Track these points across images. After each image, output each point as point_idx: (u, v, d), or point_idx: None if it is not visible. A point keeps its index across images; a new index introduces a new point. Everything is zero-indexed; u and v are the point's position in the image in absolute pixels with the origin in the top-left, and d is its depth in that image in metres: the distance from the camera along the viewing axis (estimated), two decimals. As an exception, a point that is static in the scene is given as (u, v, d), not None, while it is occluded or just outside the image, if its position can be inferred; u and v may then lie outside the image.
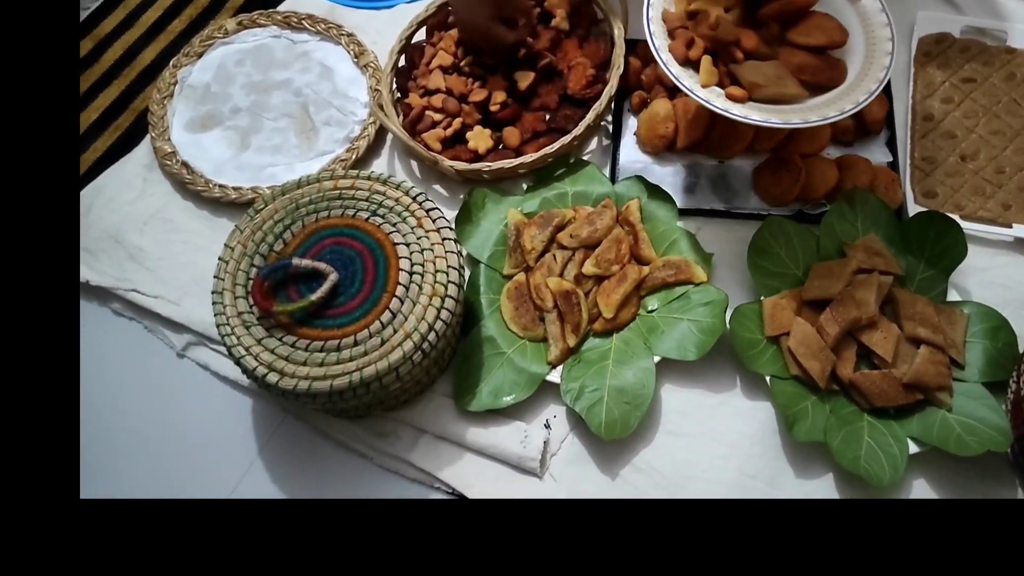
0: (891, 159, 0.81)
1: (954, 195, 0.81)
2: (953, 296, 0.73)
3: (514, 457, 0.68)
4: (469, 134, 0.82)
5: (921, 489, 0.66)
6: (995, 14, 0.91)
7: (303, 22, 0.94)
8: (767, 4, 0.72)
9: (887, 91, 0.85)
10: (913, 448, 0.65)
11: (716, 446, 0.69)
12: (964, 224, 0.76)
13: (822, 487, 0.67)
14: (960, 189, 0.81)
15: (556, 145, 0.79)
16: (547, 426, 0.70)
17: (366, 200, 0.68)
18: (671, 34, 0.72)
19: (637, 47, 0.87)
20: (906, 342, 0.70)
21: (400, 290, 0.63)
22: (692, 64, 0.71)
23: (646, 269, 0.74)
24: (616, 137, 0.84)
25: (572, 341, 0.71)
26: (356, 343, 0.61)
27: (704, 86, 0.70)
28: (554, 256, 0.75)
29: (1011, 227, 0.78)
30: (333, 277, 0.62)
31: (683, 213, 0.79)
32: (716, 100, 0.68)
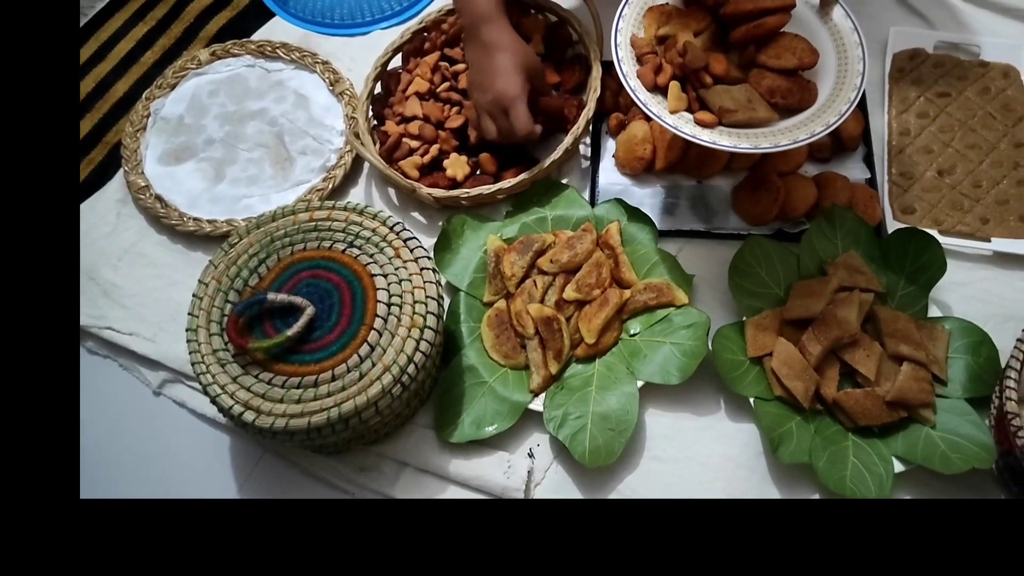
0: (869, 175, 0.83)
1: (932, 210, 0.83)
2: (934, 312, 0.74)
3: (498, 488, 0.68)
4: (446, 161, 0.83)
5: (908, 508, 0.67)
6: (968, 28, 0.94)
7: (277, 51, 0.96)
8: (737, 27, 0.73)
9: (863, 108, 0.87)
10: (898, 467, 0.67)
11: (701, 470, 0.70)
12: (943, 239, 0.78)
13: (809, 509, 0.68)
14: (938, 204, 0.83)
15: (534, 170, 0.80)
16: (531, 455, 0.71)
17: (342, 231, 0.68)
18: (640, 60, 0.74)
19: (613, 69, 0.88)
20: (888, 359, 0.71)
21: (378, 322, 0.64)
22: (661, 90, 0.73)
23: (627, 293, 0.75)
24: (595, 160, 0.86)
25: (554, 368, 0.72)
26: (334, 378, 0.61)
27: (673, 112, 0.71)
28: (535, 282, 0.76)
29: (990, 241, 0.80)
30: (309, 311, 0.63)
31: (663, 235, 0.80)
32: (685, 126, 0.70)
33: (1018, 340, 0.66)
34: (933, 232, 0.78)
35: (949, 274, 0.74)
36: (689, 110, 0.72)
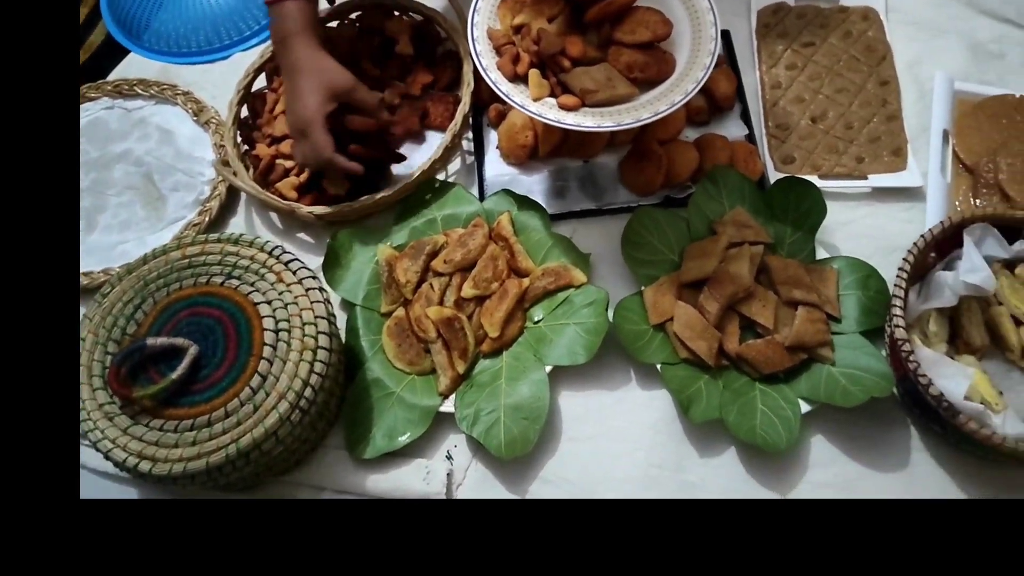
0: (747, 132, 0.88)
1: (810, 157, 0.88)
2: (822, 254, 0.79)
3: (419, 495, 0.70)
4: (324, 178, 0.84)
5: (819, 445, 0.72)
6: (825, -23, 1.00)
7: (135, 88, 0.95)
8: (590, 7, 0.76)
9: (734, 67, 0.92)
10: (805, 407, 0.71)
11: (620, 444, 0.73)
12: (823, 183, 0.83)
13: (727, 462, 0.71)
14: (815, 150, 0.88)
15: (416, 172, 0.82)
16: (449, 457, 0.73)
17: (219, 264, 0.69)
18: (498, 51, 0.76)
19: (483, 62, 0.91)
20: (784, 306, 0.75)
21: (267, 351, 0.64)
22: (523, 79, 0.75)
23: (526, 281, 0.78)
24: (479, 153, 0.88)
25: (461, 367, 0.74)
26: (227, 414, 0.62)
27: (536, 99, 0.74)
28: (431, 285, 0.78)
29: (867, 179, 0.86)
30: (192, 351, 0.63)
31: (556, 218, 0.83)
32: (549, 112, 0.73)
33: (899, 269, 0.71)
34: (813, 178, 0.83)
35: (832, 215, 0.79)
36: (553, 95, 0.75)
